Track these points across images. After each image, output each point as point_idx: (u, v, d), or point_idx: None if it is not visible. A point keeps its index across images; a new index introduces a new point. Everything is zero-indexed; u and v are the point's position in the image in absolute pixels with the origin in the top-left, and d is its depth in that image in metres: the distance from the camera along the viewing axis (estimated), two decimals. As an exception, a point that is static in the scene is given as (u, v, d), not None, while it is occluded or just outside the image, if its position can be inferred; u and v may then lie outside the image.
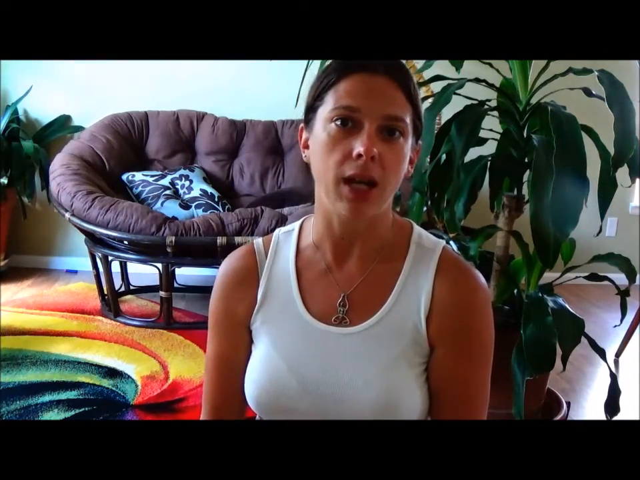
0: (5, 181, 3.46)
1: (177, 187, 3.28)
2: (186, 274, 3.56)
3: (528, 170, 1.89)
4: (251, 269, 1.00)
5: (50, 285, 3.51)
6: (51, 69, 3.61)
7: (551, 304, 1.82)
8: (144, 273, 3.28)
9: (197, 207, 3.18)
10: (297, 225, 1.04)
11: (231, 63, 3.57)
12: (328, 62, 0.92)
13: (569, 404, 2.12)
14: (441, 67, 1.94)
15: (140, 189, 3.20)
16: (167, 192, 3.21)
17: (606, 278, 1.98)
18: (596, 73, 1.71)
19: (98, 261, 3.06)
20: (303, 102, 0.94)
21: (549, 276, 2.05)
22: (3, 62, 3.54)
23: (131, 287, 3.41)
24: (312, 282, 0.98)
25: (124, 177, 3.25)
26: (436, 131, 1.86)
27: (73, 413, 2.12)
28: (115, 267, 3.16)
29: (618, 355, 2.95)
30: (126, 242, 2.88)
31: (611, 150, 1.64)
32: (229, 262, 1.02)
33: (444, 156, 1.85)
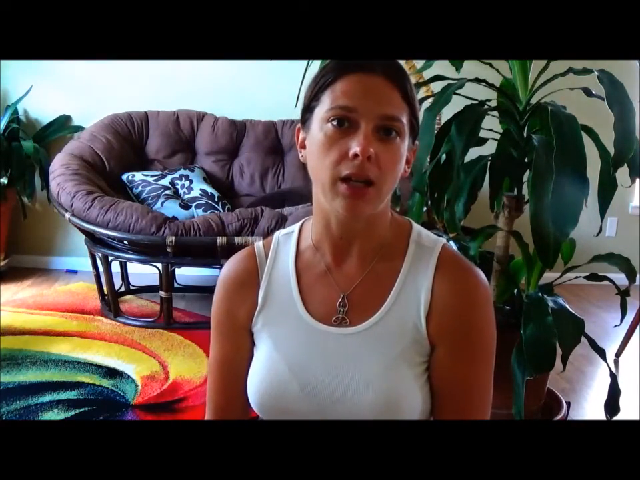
0: (5, 180, 3.46)
1: (177, 186, 3.28)
2: (186, 274, 3.56)
3: (528, 170, 1.89)
4: (251, 271, 1.01)
5: (50, 285, 3.51)
6: (51, 69, 3.61)
7: (551, 304, 1.82)
8: (144, 272, 3.28)
9: (197, 206, 3.18)
10: (296, 226, 1.04)
11: (230, 63, 3.58)
12: (327, 62, 0.92)
13: (568, 404, 2.12)
14: (441, 67, 1.94)
15: (140, 189, 3.20)
16: (167, 192, 3.21)
17: (606, 278, 1.98)
18: (596, 73, 1.71)
19: (98, 261, 3.06)
20: (302, 102, 0.95)
21: (548, 276, 2.05)
22: (3, 62, 3.54)
23: (131, 287, 3.41)
24: (312, 283, 0.98)
25: (124, 177, 3.25)
26: (436, 131, 1.86)
27: (72, 412, 2.12)
28: (115, 267, 3.16)
29: (618, 355, 2.95)
30: (126, 242, 2.88)
31: (611, 150, 1.64)
32: (230, 265, 1.03)
33: (444, 156, 1.85)
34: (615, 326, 2.09)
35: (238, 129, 3.59)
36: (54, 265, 3.82)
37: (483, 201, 2.04)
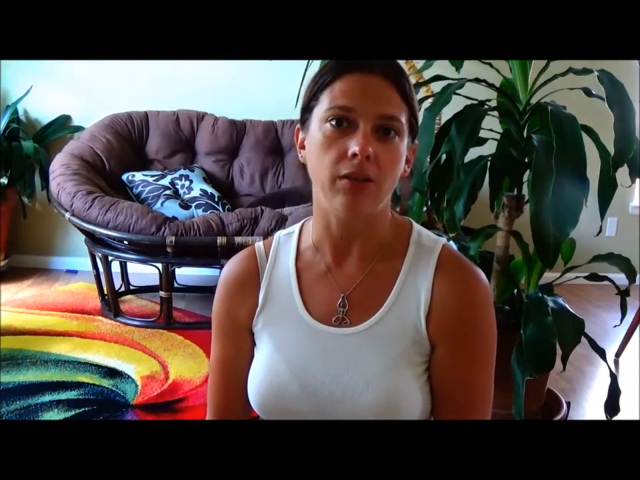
0: (5, 180, 3.46)
1: (177, 186, 3.28)
2: (186, 274, 3.56)
3: (528, 170, 1.89)
4: (252, 272, 1.01)
5: (50, 285, 3.51)
6: (51, 69, 3.61)
7: (551, 304, 1.82)
8: (144, 272, 3.28)
9: (197, 207, 3.18)
10: (297, 227, 1.04)
11: (230, 63, 3.58)
12: (326, 62, 0.92)
13: (568, 404, 2.12)
14: (441, 67, 1.94)
15: (140, 189, 3.20)
16: (167, 192, 3.21)
17: (606, 278, 1.98)
18: (596, 73, 1.71)
19: (98, 261, 3.06)
20: (301, 102, 0.95)
21: (549, 276, 2.05)
22: (3, 62, 3.54)
23: (131, 287, 3.41)
24: (312, 283, 0.98)
25: (124, 177, 3.25)
26: (436, 131, 1.86)
27: (72, 412, 2.12)
28: (115, 267, 3.16)
29: (618, 355, 2.95)
30: (126, 242, 2.88)
31: (611, 150, 1.64)
32: (231, 266, 1.03)
33: (444, 156, 1.85)
34: (615, 326, 2.09)
35: (238, 129, 3.59)
36: (54, 265, 3.82)
37: (483, 200, 2.04)
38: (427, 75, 2.07)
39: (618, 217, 4.17)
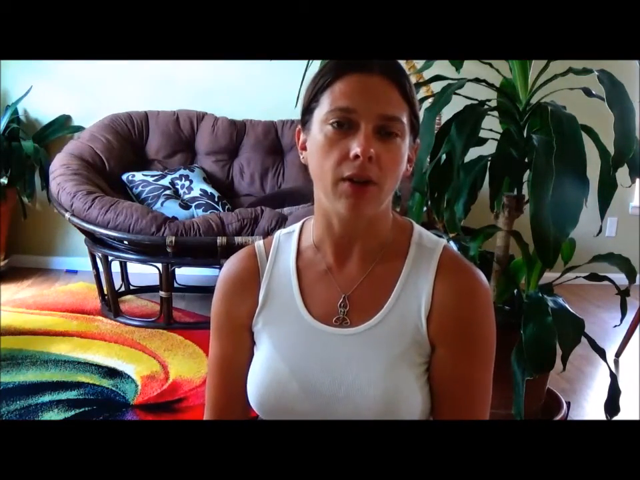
0: (5, 180, 3.46)
1: (177, 186, 3.28)
2: (186, 274, 3.56)
3: (528, 170, 1.89)
4: (252, 271, 1.01)
5: (50, 285, 3.51)
6: (51, 69, 3.61)
7: (551, 304, 1.82)
8: (144, 272, 3.28)
9: (197, 207, 3.18)
10: (297, 226, 1.04)
11: (230, 63, 3.58)
12: (326, 62, 0.91)
13: (568, 404, 2.12)
14: (441, 67, 1.93)
15: (140, 189, 3.20)
16: (167, 192, 3.21)
17: (606, 278, 1.98)
18: (596, 73, 1.71)
19: (98, 260, 3.06)
20: (301, 103, 0.94)
21: (549, 276, 2.05)
22: (3, 62, 3.54)
23: (131, 287, 3.41)
24: (312, 283, 0.98)
25: (124, 177, 3.25)
26: (436, 131, 1.86)
27: (72, 413, 2.12)
28: (115, 267, 3.16)
29: (618, 355, 2.95)
30: (126, 242, 2.88)
31: (611, 150, 1.64)
32: (230, 264, 1.03)
33: (444, 156, 1.84)
34: (615, 326, 2.09)
35: (238, 129, 3.59)
36: (54, 265, 3.82)
37: (483, 200, 2.04)
38: (427, 75, 2.07)
39: (618, 217, 4.17)
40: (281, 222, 2.87)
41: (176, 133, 3.52)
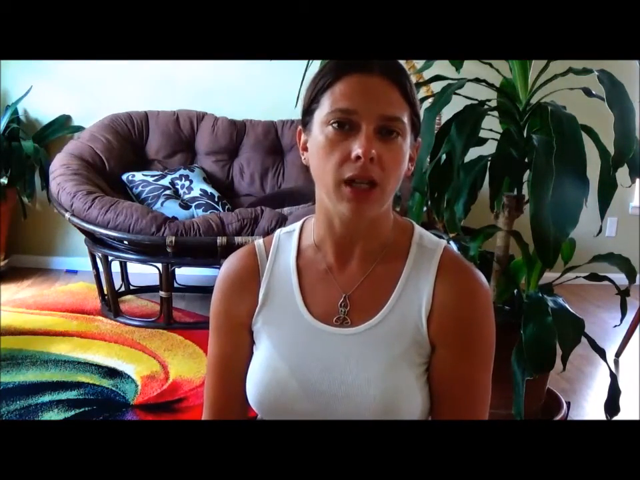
0: (5, 180, 3.46)
1: (177, 186, 3.28)
2: (186, 274, 3.56)
3: (528, 170, 1.89)
4: (252, 269, 1.00)
5: (50, 285, 3.51)
6: (51, 69, 3.61)
7: (551, 304, 1.82)
8: (144, 272, 3.28)
9: (197, 207, 3.18)
10: (297, 225, 1.04)
11: (230, 63, 3.57)
12: (325, 63, 0.91)
13: (568, 404, 2.12)
14: (441, 67, 1.93)
15: (140, 189, 3.20)
16: (167, 192, 3.21)
17: (606, 278, 1.98)
18: (596, 73, 1.71)
19: (98, 260, 3.06)
20: (302, 104, 0.94)
21: (549, 276, 2.05)
22: (3, 62, 3.54)
23: (131, 287, 3.41)
24: (313, 282, 0.98)
25: (124, 177, 3.25)
26: (436, 131, 1.86)
27: (72, 413, 2.12)
28: (115, 267, 3.16)
29: (618, 355, 2.95)
30: (126, 242, 2.88)
31: (611, 150, 1.64)
32: (230, 263, 1.02)
33: (444, 156, 1.84)
34: (615, 326, 2.09)
35: (238, 129, 3.59)
36: (54, 265, 3.82)
37: (483, 200, 2.04)
38: (427, 74, 2.07)
39: (618, 217, 4.17)
40: (281, 222, 2.87)
41: (176, 133, 3.52)
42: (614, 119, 1.59)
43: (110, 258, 2.97)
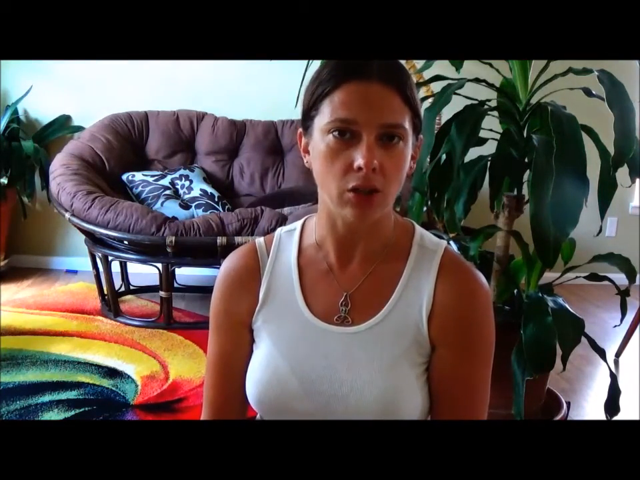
0: (5, 180, 3.46)
1: (177, 186, 3.28)
2: (186, 274, 3.56)
3: (528, 170, 1.89)
4: (252, 268, 1.00)
5: (50, 285, 3.51)
6: (51, 69, 3.61)
7: (551, 304, 1.82)
8: (144, 272, 3.28)
9: (197, 207, 3.18)
10: (298, 224, 1.04)
11: (230, 63, 3.57)
12: (323, 66, 0.91)
13: (568, 404, 2.12)
14: (441, 67, 1.93)
15: (140, 189, 3.20)
16: (167, 192, 3.21)
17: (606, 278, 1.98)
18: (596, 73, 1.71)
19: (98, 260, 3.06)
20: (301, 105, 0.94)
21: (549, 276, 2.05)
22: (3, 62, 3.54)
23: (131, 287, 3.41)
24: (314, 281, 0.98)
25: (124, 177, 3.25)
26: (436, 131, 1.86)
27: (73, 413, 2.12)
28: (115, 267, 3.16)
29: (618, 355, 2.95)
30: (126, 242, 2.88)
31: (611, 150, 1.64)
32: (230, 261, 1.02)
33: (444, 156, 1.85)
34: (615, 326, 2.09)
35: (238, 129, 3.59)
36: (54, 265, 3.82)
37: (483, 200, 2.04)
38: (427, 75, 2.07)
39: (618, 217, 4.17)
40: (281, 222, 2.87)
41: (176, 133, 3.52)
42: (614, 118, 1.59)
43: (110, 258, 2.97)
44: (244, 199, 3.50)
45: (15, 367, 2.42)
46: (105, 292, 3.09)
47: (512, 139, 1.94)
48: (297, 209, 3.07)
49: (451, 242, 1.84)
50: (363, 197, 0.86)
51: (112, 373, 2.43)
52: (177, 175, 3.33)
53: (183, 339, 2.80)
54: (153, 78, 3.69)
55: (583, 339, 1.80)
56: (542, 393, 2.06)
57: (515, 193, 1.96)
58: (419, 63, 2.16)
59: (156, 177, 3.27)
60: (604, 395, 1.86)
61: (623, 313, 1.94)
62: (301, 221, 1.04)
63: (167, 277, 2.92)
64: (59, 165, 3.06)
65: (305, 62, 2.05)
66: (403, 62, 0.92)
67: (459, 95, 1.85)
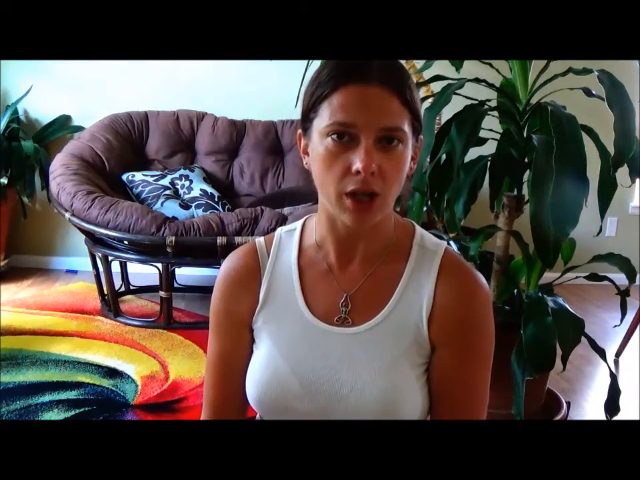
0: (5, 180, 3.46)
1: (176, 186, 3.28)
2: (186, 274, 3.56)
3: (528, 170, 1.89)
4: (252, 268, 1.00)
5: (50, 285, 3.51)
6: (51, 69, 3.61)
7: (551, 304, 1.82)
8: (144, 272, 3.28)
9: (197, 207, 3.18)
10: (299, 224, 1.03)
11: (230, 63, 3.57)
12: (322, 67, 0.90)
13: (568, 404, 2.12)
14: (441, 67, 1.93)
15: (140, 189, 3.20)
16: (167, 192, 3.21)
17: (606, 278, 1.98)
18: (596, 73, 1.71)
19: (98, 260, 3.06)
20: (301, 106, 0.94)
21: (549, 276, 2.05)
22: (3, 62, 3.54)
23: (131, 287, 3.41)
24: (314, 282, 0.98)
25: (124, 177, 3.25)
26: (436, 131, 1.86)
27: (73, 413, 2.12)
28: (115, 266, 3.16)
29: (618, 355, 2.95)
30: (126, 242, 2.88)
31: (611, 150, 1.64)
32: (231, 261, 1.02)
33: (444, 156, 1.85)
34: (615, 326, 2.09)
35: (238, 129, 3.59)
36: (54, 265, 3.82)
37: (483, 200, 2.04)
38: (427, 74, 2.07)
39: (618, 217, 4.17)
40: (281, 222, 2.87)
41: (176, 133, 3.52)
42: (614, 119, 1.59)
43: (110, 258, 2.97)
44: (244, 198, 3.50)
45: (15, 367, 2.42)
46: (105, 292, 3.09)
47: (512, 139, 1.94)
48: (296, 209, 3.07)
49: (451, 242, 1.85)
50: (361, 202, 0.86)
51: (112, 372, 2.43)
52: (177, 175, 3.33)
53: (183, 339, 2.80)
54: (153, 78, 3.69)
55: (583, 338, 1.80)
56: (542, 393, 2.06)
57: (515, 193, 1.96)
58: (419, 63, 2.16)
59: (156, 177, 3.27)
60: (604, 395, 1.87)
61: (623, 313, 1.94)
62: (301, 221, 1.04)
63: (167, 277, 2.92)
64: (59, 165, 3.06)
65: (305, 62, 2.05)
66: (403, 62, 0.92)
67: (459, 94, 1.85)
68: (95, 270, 3.10)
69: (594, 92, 1.82)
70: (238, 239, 2.80)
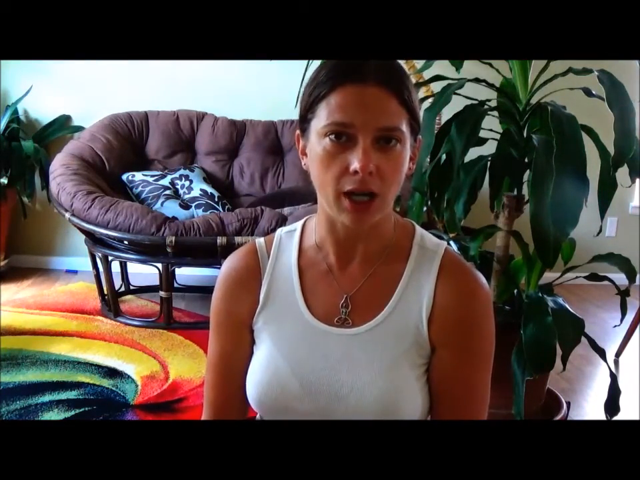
0: (5, 180, 3.46)
1: (177, 186, 3.28)
2: (186, 274, 3.56)
3: (528, 170, 1.89)
4: (252, 268, 1.00)
5: (50, 285, 3.51)
6: (51, 69, 3.61)
7: (551, 304, 1.82)
8: (144, 272, 3.28)
9: (197, 207, 3.18)
10: (299, 224, 1.03)
11: (230, 63, 3.58)
12: (320, 68, 0.90)
13: (568, 404, 2.12)
14: (441, 67, 1.94)
15: (140, 189, 3.20)
16: (167, 192, 3.21)
17: (606, 278, 1.98)
18: (596, 73, 1.71)
19: (98, 260, 3.06)
20: (299, 108, 0.94)
21: (549, 276, 2.05)
22: (3, 62, 3.54)
23: (131, 287, 3.41)
24: (314, 282, 0.98)
25: (124, 177, 3.25)
26: (436, 131, 1.86)
27: (73, 413, 2.12)
28: (115, 266, 3.16)
29: (618, 355, 2.95)
30: (126, 242, 2.88)
31: (611, 150, 1.64)
32: (231, 262, 1.02)
33: (444, 156, 1.85)
34: (615, 326, 2.09)
35: (238, 129, 3.59)
36: (54, 265, 3.82)
37: (483, 200, 2.04)
38: (427, 74, 2.07)
39: (618, 217, 4.17)
40: (281, 222, 2.87)
41: (176, 133, 3.52)
42: (614, 119, 1.59)
43: (110, 258, 2.97)
44: (244, 198, 3.50)
45: (15, 367, 2.42)
46: (105, 292, 3.09)
47: (512, 139, 1.94)
48: (296, 209, 3.07)
49: (451, 242, 1.85)
50: (359, 203, 0.86)
51: (112, 372, 2.43)
52: (177, 174, 3.33)
53: (183, 339, 2.80)
54: (153, 78, 3.69)
55: (583, 338, 1.80)
56: (542, 393, 2.06)
57: (515, 193, 1.96)
58: (419, 63, 2.16)
59: (156, 177, 3.27)
60: (604, 395, 1.87)
61: (623, 313, 1.94)
62: (301, 222, 1.04)
63: (167, 277, 2.92)
64: (59, 165, 3.06)
65: (304, 62, 2.05)
66: (402, 62, 0.92)
67: (458, 94, 1.85)
68: (95, 270, 3.10)
69: (594, 92, 1.82)
70: (238, 239, 2.80)
